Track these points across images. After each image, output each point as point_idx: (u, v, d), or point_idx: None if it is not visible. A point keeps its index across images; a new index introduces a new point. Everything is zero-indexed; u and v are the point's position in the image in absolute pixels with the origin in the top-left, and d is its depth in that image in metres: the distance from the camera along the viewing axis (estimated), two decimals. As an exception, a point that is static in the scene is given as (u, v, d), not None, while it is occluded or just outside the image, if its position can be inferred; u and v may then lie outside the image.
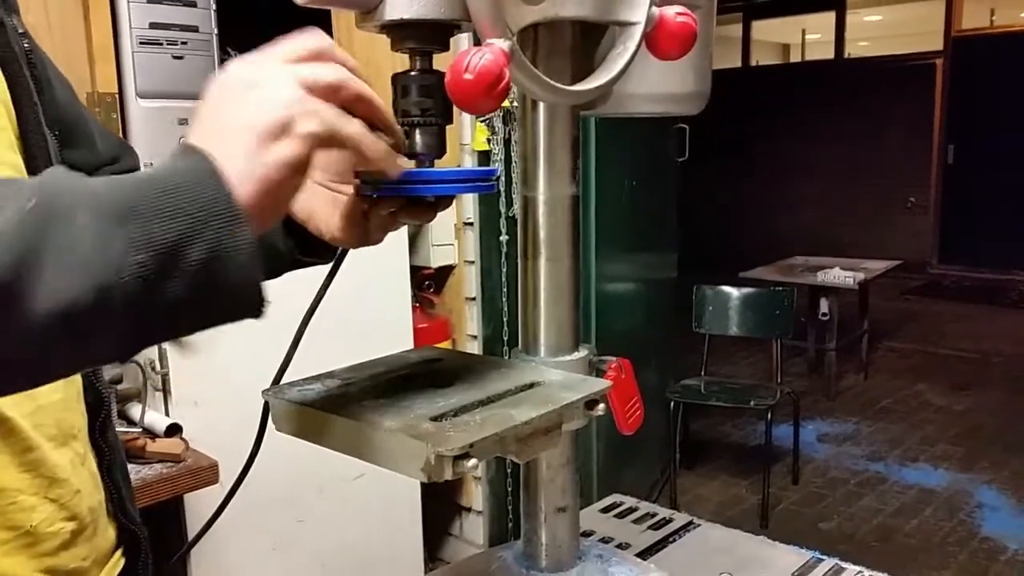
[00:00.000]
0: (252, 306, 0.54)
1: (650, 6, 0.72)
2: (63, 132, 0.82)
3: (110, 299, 0.48)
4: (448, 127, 0.75)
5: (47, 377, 0.54)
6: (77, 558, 0.77)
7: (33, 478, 0.72)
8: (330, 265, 0.83)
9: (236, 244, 0.52)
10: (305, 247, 0.81)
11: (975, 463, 4.28)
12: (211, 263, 0.51)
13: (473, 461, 0.64)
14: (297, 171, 0.56)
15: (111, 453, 0.83)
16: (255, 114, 0.56)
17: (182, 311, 0.52)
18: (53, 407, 0.75)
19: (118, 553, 0.85)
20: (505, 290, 2.86)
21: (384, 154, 0.64)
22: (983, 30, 8.65)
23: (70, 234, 0.47)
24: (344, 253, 0.82)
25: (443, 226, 2.78)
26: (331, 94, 0.59)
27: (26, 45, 0.77)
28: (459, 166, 2.66)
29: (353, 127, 0.60)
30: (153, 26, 1.93)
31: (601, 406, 0.77)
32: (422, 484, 2.61)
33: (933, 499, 3.90)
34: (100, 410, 0.82)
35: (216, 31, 2.02)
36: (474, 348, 2.88)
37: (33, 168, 0.74)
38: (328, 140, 0.58)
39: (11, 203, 0.47)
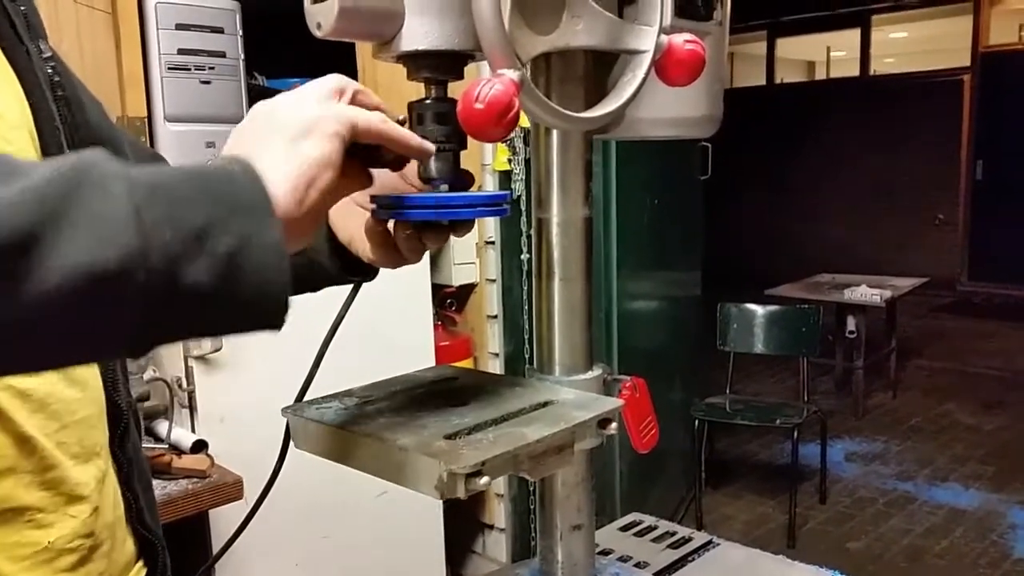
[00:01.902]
0: (272, 311, 0.53)
1: (658, 34, 0.74)
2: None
3: (133, 270, 0.46)
4: (471, 148, 0.78)
5: (52, 357, 0.51)
6: (94, 573, 0.77)
7: (53, 496, 0.73)
8: (351, 286, 0.85)
9: (263, 241, 0.51)
10: (350, 267, 0.83)
11: (1006, 483, 4.21)
12: (237, 255, 0.50)
13: (485, 479, 0.66)
14: (327, 167, 0.59)
15: (129, 465, 0.84)
16: (282, 120, 0.60)
17: (201, 302, 0.50)
18: (77, 426, 0.76)
19: (138, 565, 0.86)
20: (526, 308, 2.87)
21: (410, 137, 0.67)
22: (1011, 46, 8.57)
23: (102, 199, 0.46)
24: (370, 275, 0.85)
25: (465, 245, 2.80)
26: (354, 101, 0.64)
27: (49, 70, 0.79)
28: (480, 187, 2.69)
29: (376, 117, 0.64)
30: (181, 52, 1.98)
31: (614, 425, 0.78)
32: (444, 501, 2.62)
33: (964, 520, 3.84)
34: (120, 423, 0.83)
35: (243, 56, 2.07)
36: (496, 366, 2.89)
37: None
38: (355, 133, 0.62)
39: (44, 166, 0.46)
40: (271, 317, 0.53)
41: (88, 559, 0.77)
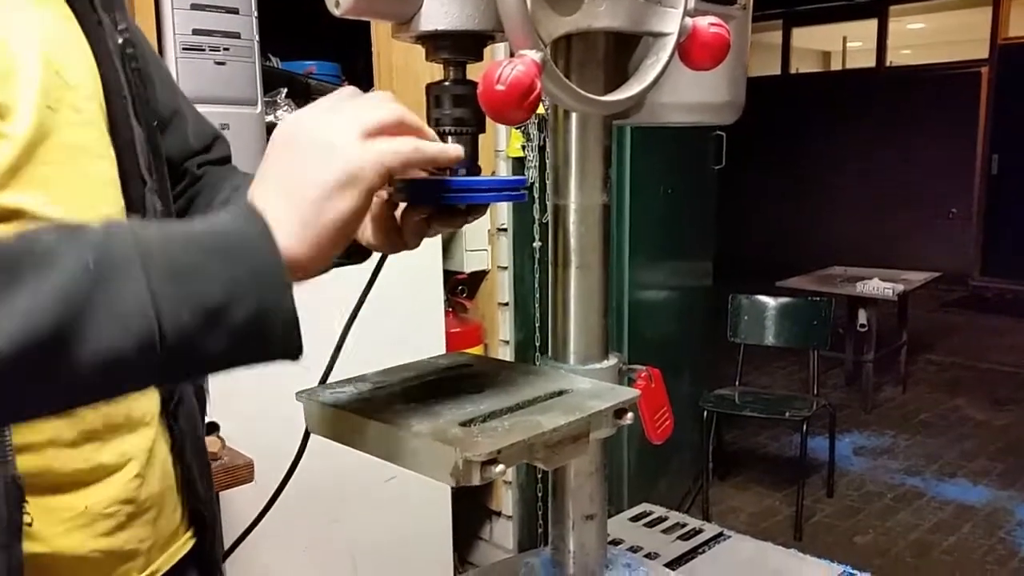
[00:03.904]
0: (289, 356, 0.59)
1: (683, 17, 0.73)
2: (158, 125, 0.87)
3: (152, 354, 0.52)
4: (483, 134, 0.76)
5: (70, 411, 0.61)
6: (134, 540, 0.79)
7: (92, 465, 0.75)
8: (371, 272, 0.84)
9: (279, 310, 0.56)
10: (345, 251, 0.83)
11: (1016, 480, 4.18)
12: (254, 324, 0.55)
13: (501, 467, 0.65)
14: (356, 220, 0.60)
15: (182, 436, 0.86)
16: (318, 172, 0.59)
17: (219, 362, 0.56)
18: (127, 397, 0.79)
19: (187, 535, 0.88)
20: (538, 296, 2.86)
21: (441, 153, 0.67)
22: (1031, 38, 8.47)
23: (121, 292, 0.51)
24: (383, 259, 0.84)
25: (477, 231, 2.79)
26: (391, 133, 0.63)
27: (121, 41, 0.81)
28: (493, 173, 2.67)
29: (407, 148, 0.62)
30: (196, 32, 1.97)
31: (630, 415, 0.77)
32: (452, 488, 2.62)
33: (972, 516, 3.82)
34: (174, 394, 0.85)
35: (257, 38, 2.05)
36: (506, 353, 2.88)
37: (122, 160, 0.78)
38: (389, 177, 0.62)
39: (72, 258, 0.51)
40: (287, 358, 0.59)
41: (127, 525, 0.78)
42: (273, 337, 0.56)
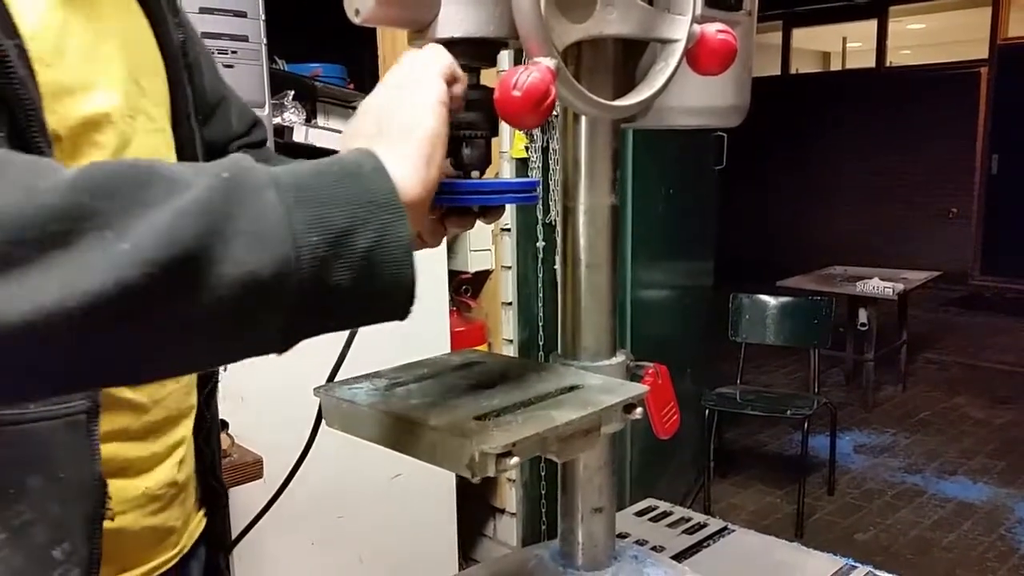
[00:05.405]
0: (403, 302, 0.56)
1: (691, 24, 0.75)
2: (206, 115, 0.90)
3: (286, 275, 0.49)
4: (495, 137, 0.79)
5: (208, 359, 0.56)
6: (172, 518, 0.85)
7: (153, 452, 0.80)
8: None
9: (396, 235, 0.54)
10: None
11: (1015, 478, 4.21)
12: (374, 252, 0.53)
13: (516, 459, 0.67)
14: (438, 138, 0.62)
15: (211, 422, 0.91)
16: (413, 122, 0.61)
17: (343, 300, 0.53)
18: (179, 391, 0.83)
19: (201, 513, 0.93)
20: (541, 295, 2.88)
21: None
22: (1030, 38, 8.49)
23: (258, 207, 0.49)
24: None
25: (481, 231, 2.81)
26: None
27: (182, 37, 0.83)
28: (497, 174, 2.69)
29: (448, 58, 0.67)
30: (205, 35, 1.98)
31: (639, 410, 0.79)
32: (457, 485, 2.64)
33: (972, 513, 3.85)
34: (208, 383, 0.90)
35: (265, 41, 2.07)
36: (509, 352, 2.90)
37: (181, 160, 0.82)
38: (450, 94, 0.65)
39: (204, 175, 0.49)
40: (401, 308, 0.57)
41: (169, 506, 0.84)
42: (392, 261, 0.54)
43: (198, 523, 0.92)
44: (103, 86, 0.71)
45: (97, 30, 0.72)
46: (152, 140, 0.77)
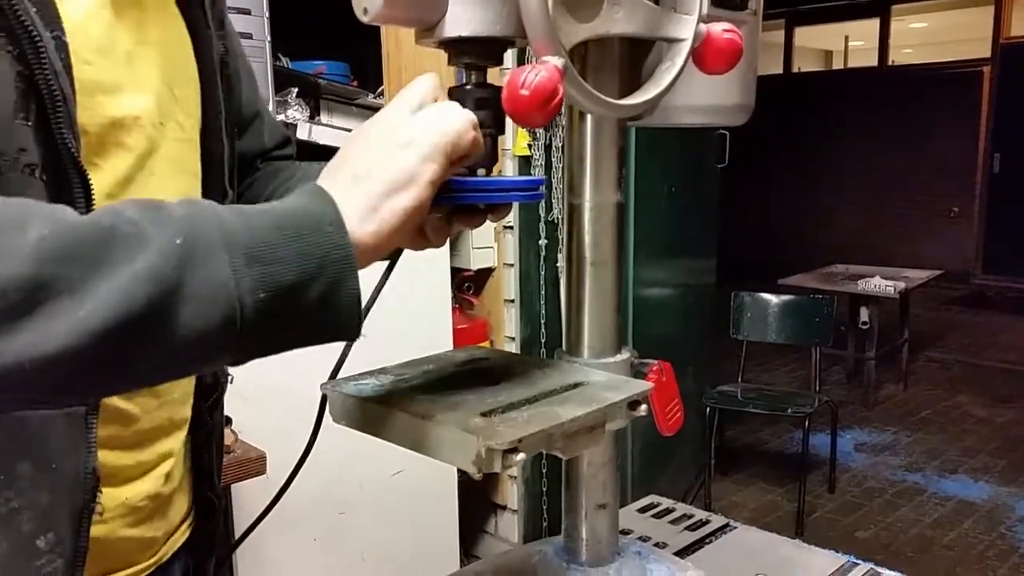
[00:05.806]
0: (350, 335, 0.62)
1: (697, 23, 0.76)
2: (240, 128, 0.90)
3: (234, 330, 0.54)
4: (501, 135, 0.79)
5: (162, 378, 0.64)
6: (151, 530, 0.83)
7: (137, 463, 0.79)
8: (385, 265, 0.86)
9: (348, 288, 0.59)
10: None
11: (1017, 476, 4.21)
12: (324, 303, 0.58)
13: (521, 455, 0.67)
14: (417, 213, 0.63)
15: (208, 435, 0.90)
16: (389, 163, 0.63)
17: (292, 339, 0.59)
18: (172, 403, 0.82)
19: (185, 524, 0.91)
20: (543, 293, 2.89)
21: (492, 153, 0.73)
22: (1033, 37, 8.48)
23: (208, 271, 0.53)
24: (398, 255, 0.86)
25: (483, 229, 2.81)
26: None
27: (223, 48, 0.83)
28: (500, 172, 2.70)
29: (467, 140, 0.66)
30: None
31: (643, 407, 0.79)
32: (458, 482, 2.65)
33: (973, 511, 3.85)
34: (212, 394, 0.89)
35: (269, 38, 2.08)
36: (511, 349, 2.91)
37: (208, 175, 0.82)
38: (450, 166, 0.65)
39: (159, 237, 0.52)
40: (348, 337, 0.63)
41: (149, 518, 0.82)
42: (339, 316, 0.59)
43: (182, 533, 0.90)
44: (137, 90, 0.71)
45: (139, 33, 0.72)
46: (179, 149, 0.77)
